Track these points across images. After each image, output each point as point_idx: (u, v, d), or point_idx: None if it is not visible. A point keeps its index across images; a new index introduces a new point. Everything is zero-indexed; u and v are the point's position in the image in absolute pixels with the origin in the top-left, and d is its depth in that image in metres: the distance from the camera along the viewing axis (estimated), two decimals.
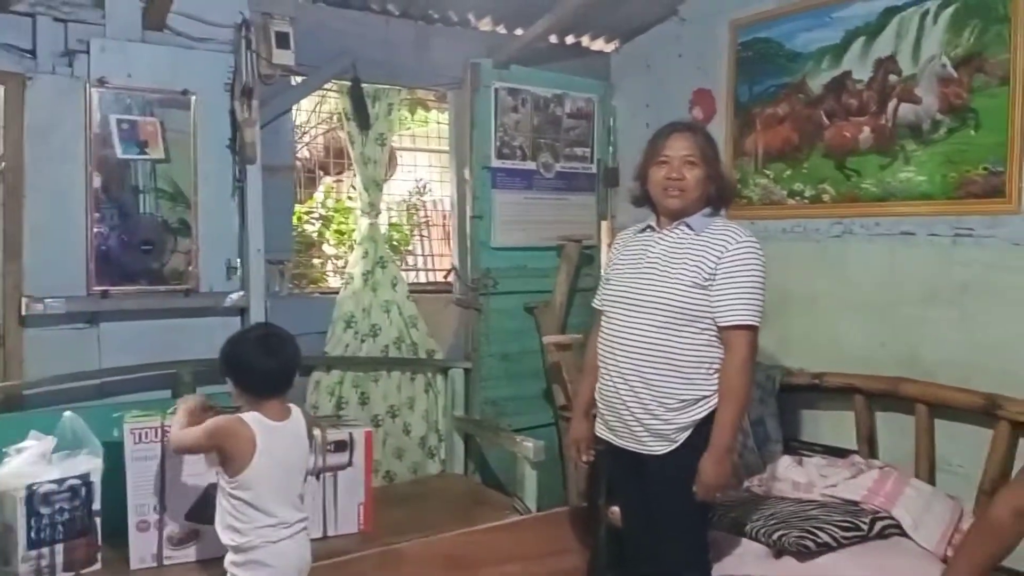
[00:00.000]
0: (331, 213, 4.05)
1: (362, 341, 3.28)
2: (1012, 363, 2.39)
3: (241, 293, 2.88)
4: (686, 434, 2.14)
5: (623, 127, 3.75)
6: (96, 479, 2.29)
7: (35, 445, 2.26)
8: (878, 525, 2.28)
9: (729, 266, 2.09)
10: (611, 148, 3.81)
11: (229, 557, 1.96)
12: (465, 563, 2.54)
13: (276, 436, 1.96)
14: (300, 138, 3.71)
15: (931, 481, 2.54)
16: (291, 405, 2.07)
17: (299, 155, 3.66)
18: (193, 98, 2.78)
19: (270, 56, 2.84)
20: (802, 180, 3.03)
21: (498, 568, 2.59)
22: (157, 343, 2.77)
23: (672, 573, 2.22)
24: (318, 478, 2.62)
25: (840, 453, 2.76)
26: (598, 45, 3.76)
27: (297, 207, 3.55)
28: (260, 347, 2.00)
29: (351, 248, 3.45)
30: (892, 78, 2.74)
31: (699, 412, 2.13)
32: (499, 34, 3.53)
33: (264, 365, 1.98)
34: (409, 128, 4.20)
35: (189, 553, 2.39)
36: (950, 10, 2.59)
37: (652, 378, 2.13)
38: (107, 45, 2.64)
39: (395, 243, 3.83)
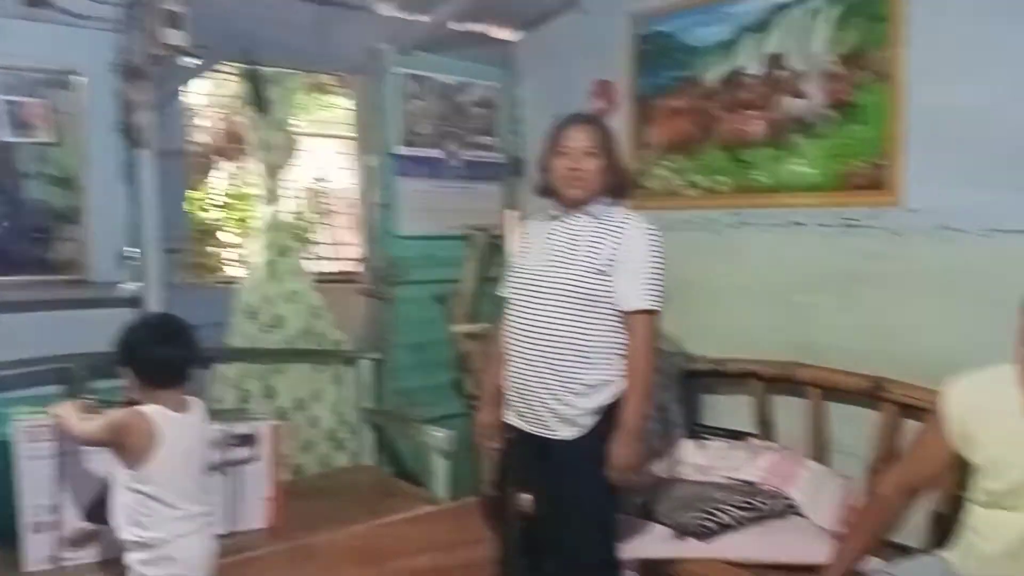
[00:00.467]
0: (231, 200, 3.93)
1: (265, 332, 3.20)
2: (896, 347, 2.53)
3: (136, 283, 2.76)
4: (592, 419, 2.20)
5: (528, 116, 3.76)
6: None
7: None
8: (775, 505, 2.40)
9: (628, 253, 2.17)
10: (517, 137, 3.82)
11: (134, 555, 1.91)
12: (376, 556, 2.53)
13: (177, 428, 1.92)
14: (196, 122, 3.56)
15: (824, 462, 2.66)
16: (191, 397, 2.02)
17: (196, 140, 3.52)
18: (80, 79, 2.64)
19: (162, 36, 2.71)
20: (700, 172, 3.12)
21: (409, 560, 2.59)
22: (48, 336, 2.64)
23: (580, 557, 2.29)
24: (222, 473, 2.56)
25: (740, 436, 2.87)
26: (502, 34, 3.75)
27: (195, 194, 3.42)
28: (158, 334, 1.96)
29: (252, 237, 3.35)
30: (782, 73, 2.84)
31: (605, 397, 2.20)
32: (401, 19, 3.47)
33: (162, 353, 1.93)
34: (314, 114, 4.11)
35: (87, 554, 2.32)
36: (835, 9, 2.69)
37: (557, 363, 2.19)
38: None
39: (298, 231, 3.73)
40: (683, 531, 2.34)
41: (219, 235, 3.88)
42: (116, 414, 1.91)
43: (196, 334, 2.03)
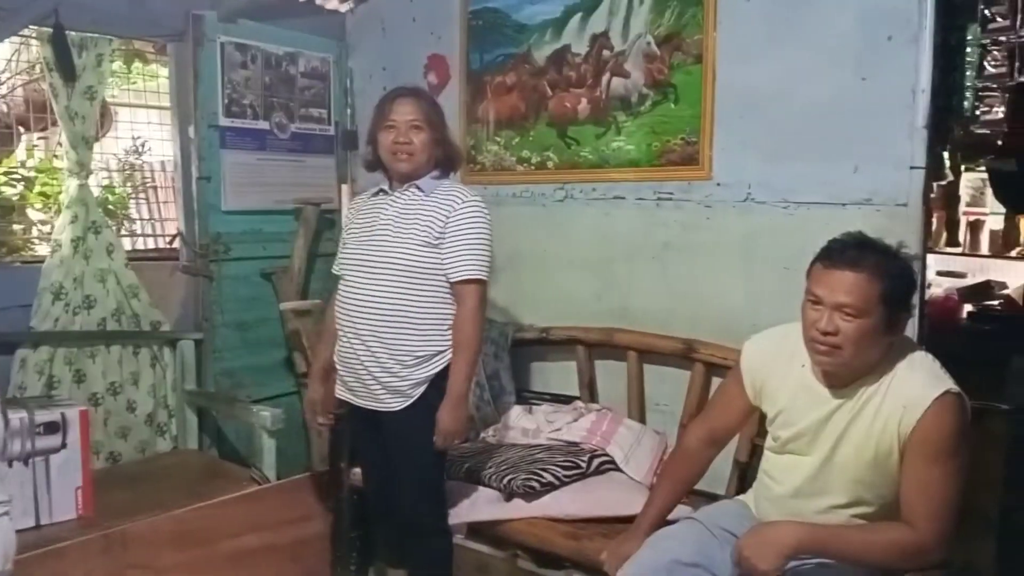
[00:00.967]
0: (34, 174, 3.63)
1: (75, 314, 3.00)
2: (704, 310, 2.70)
3: None
4: (421, 389, 2.23)
5: (360, 89, 3.71)
6: None
7: None
8: (595, 462, 2.51)
9: (457, 225, 2.20)
10: (349, 110, 3.75)
11: None
12: (198, 539, 2.44)
13: None
14: None
15: (642, 420, 2.81)
16: None
17: None
18: None
19: None
20: (529, 147, 3.19)
21: (234, 540, 2.51)
22: None
23: (411, 523, 2.32)
24: (26, 463, 2.40)
25: (566, 400, 2.98)
26: (332, 4, 3.66)
27: None
28: None
29: (58, 212, 3.12)
30: (606, 53, 2.94)
31: (434, 367, 2.23)
32: None
33: None
34: (133, 82, 3.87)
35: None
36: None
37: (388, 336, 2.20)
38: None
39: (110, 206, 3.52)
40: (509, 493, 2.41)
41: (24, 211, 3.59)
42: None
43: None
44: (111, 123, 3.67)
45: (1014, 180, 3.10)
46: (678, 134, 2.79)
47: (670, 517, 2.07)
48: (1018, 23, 3.42)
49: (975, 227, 4.39)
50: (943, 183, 3.83)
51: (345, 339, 2.28)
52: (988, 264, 4.37)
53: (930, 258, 3.31)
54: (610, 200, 2.95)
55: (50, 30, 2.85)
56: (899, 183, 2.33)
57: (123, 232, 3.62)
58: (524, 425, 2.77)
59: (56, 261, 2.97)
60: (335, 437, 2.72)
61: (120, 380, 3.12)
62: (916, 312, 2.20)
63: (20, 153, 3.70)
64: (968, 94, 3.35)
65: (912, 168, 2.31)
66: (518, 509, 2.40)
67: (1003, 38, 3.46)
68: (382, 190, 2.33)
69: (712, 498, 2.36)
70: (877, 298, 1.67)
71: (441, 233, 2.20)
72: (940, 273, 4.51)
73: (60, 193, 3.16)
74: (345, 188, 3.81)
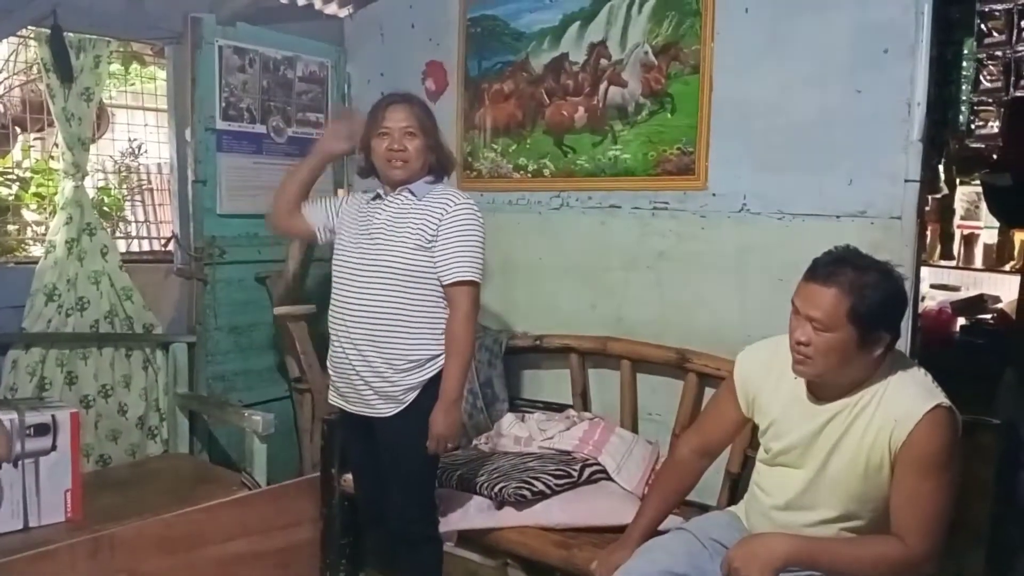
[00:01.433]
0: (30, 174, 3.63)
1: (67, 316, 3.00)
2: (698, 321, 2.70)
3: None
4: (413, 395, 2.22)
5: (358, 94, 3.70)
6: None
7: None
8: (587, 471, 2.50)
9: (449, 228, 2.20)
10: None
11: None
12: (187, 544, 2.43)
13: None
14: None
15: (634, 429, 2.80)
16: None
17: None
18: None
19: None
20: (526, 155, 3.19)
21: (223, 546, 2.50)
22: None
23: (401, 530, 2.31)
24: (16, 465, 2.40)
25: (559, 408, 2.97)
26: (331, 9, 3.67)
27: None
28: None
29: (53, 213, 3.11)
30: (603, 62, 2.94)
31: (427, 373, 2.23)
32: None
33: None
34: (132, 84, 3.87)
35: None
36: (652, 2, 2.81)
37: (381, 341, 2.20)
38: None
39: (106, 208, 3.51)
40: (501, 501, 2.40)
41: (19, 211, 3.58)
42: None
43: None
44: (108, 125, 3.66)
45: (1008, 194, 3.11)
46: (674, 144, 2.79)
47: (661, 527, 2.07)
48: (1014, 38, 3.46)
49: (969, 240, 4.41)
50: (938, 196, 3.86)
51: (337, 343, 2.28)
52: (982, 278, 4.38)
53: (924, 271, 3.32)
54: (606, 209, 2.95)
55: (48, 31, 2.85)
56: (894, 196, 2.33)
57: (118, 234, 3.61)
58: (517, 433, 2.76)
59: (50, 262, 2.97)
60: (327, 443, 2.71)
61: (112, 383, 3.12)
62: (909, 329, 2.21)
63: (16, 153, 3.69)
64: (963, 108, 3.38)
65: (907, 181, 2.31)
66: (509, 517, 2.39)
67: (999, 53, 3.49)
68: (378, 194, 2.33)
69: (703, 509, 2.35)
70: (844, 315, 1.66)
71: (434, 236, 2.20)
72: (934, 286, 4.53)
73: (55, 194, 3.16)
74: (341, 193, 3.80)
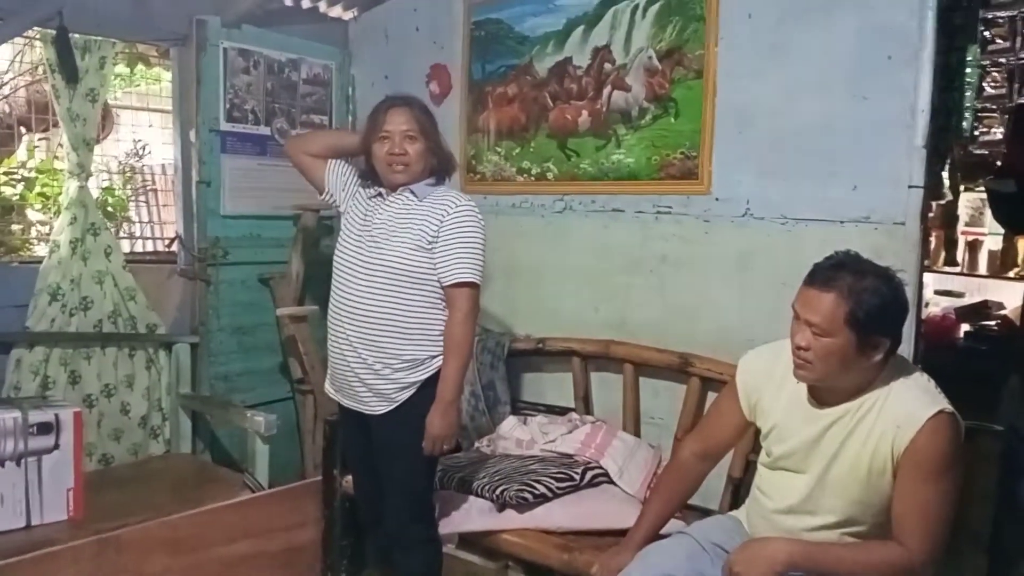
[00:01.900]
0: (35, 174, 3.64)
1: (71, 315, 3.00)
2: (701, 325, 2.70)
3: None
4: (407, 394, 2.22)
5: (362, 97, 3.71)
6: None
7: None
8: (589, 475, 2.50)
9: (450, 229, 2.20)
10: (350, 117, 3.77)
11: None
12: (190, 545, 2.43)
13: None
14: None
15: (636, 433, 2.80)
16: None
17: None
18: None
19: None
20: (529, 158, 3.19)
21: (227, 548, 2.51)
22: None
23: (398, 531, 2.31)
24: (18, 463, 2.41)
25: (561, 411, 2.97)
26: (336, 12, 3.68)
27: None
28: None
29: (57, 213, 3.12)
30: (607, 66, 2.95)
31: (422, 373, 2.23)
32: None
33: None
34: (138, 85, 3.88)
35: None
36: (656, 6, 2.81)
37: (377, 339, 2.20)
38: None
39: (110, 208, 3.52)
40: (502, 504, 2.40)
41: (23, 211, 3.59)
42: None
43: None
44: (112, 125, 3.68)
45: (1013, 201, 3.10)
46: (678, 148, 2.79)
47: (662, 531, 2.07)
48: (1017, 45, 3.46)
49: (973, 247, 4.40)
50: (942, 202, 3.86)
51: (335, 340, 2.29)
52: (986, 284, 4.37)
53: (928, 277, 3.32)
54: (609, 212, 2.95)
55: (54, 32, 2.86)
56: (897, 202, 2.32)
57: (122, 234, 3.62)
58: (518, 436, 2.76)
59: (54, 262, 2.98)
60: (329, 445, 2.72)
61: (115, 382, 3.12)
62: (912, 335, 2.21)
63: (21, 153, 3.70)
64: (967, 114, 3.38)
65: (911, 187, 2.31)
66: (510, 520, 2.39)
67: (1003, 59, 3.50)
68: (379, 194, 2.32)
69: (705, 513, 2.35)
70: (842, 320, 1.67)
71: (434, 237, 2.19)
72: (938, 292, 4.52)
73: (60, 194, 3.17)
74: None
